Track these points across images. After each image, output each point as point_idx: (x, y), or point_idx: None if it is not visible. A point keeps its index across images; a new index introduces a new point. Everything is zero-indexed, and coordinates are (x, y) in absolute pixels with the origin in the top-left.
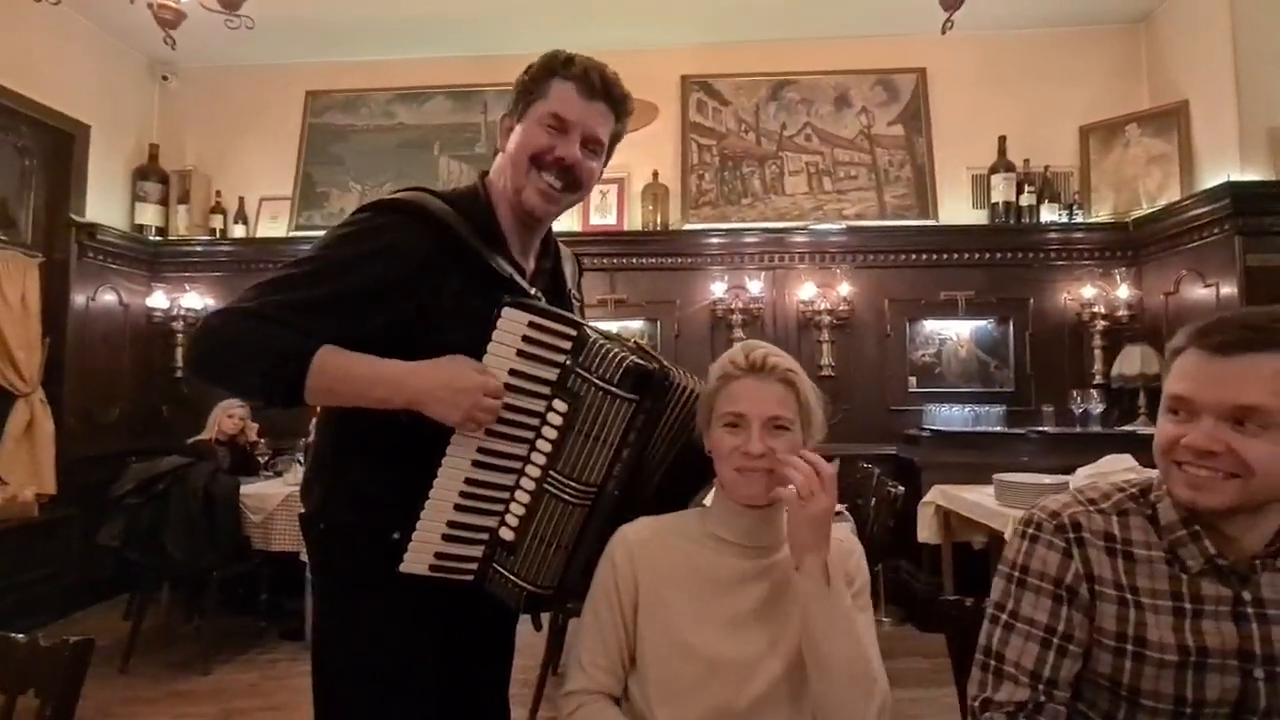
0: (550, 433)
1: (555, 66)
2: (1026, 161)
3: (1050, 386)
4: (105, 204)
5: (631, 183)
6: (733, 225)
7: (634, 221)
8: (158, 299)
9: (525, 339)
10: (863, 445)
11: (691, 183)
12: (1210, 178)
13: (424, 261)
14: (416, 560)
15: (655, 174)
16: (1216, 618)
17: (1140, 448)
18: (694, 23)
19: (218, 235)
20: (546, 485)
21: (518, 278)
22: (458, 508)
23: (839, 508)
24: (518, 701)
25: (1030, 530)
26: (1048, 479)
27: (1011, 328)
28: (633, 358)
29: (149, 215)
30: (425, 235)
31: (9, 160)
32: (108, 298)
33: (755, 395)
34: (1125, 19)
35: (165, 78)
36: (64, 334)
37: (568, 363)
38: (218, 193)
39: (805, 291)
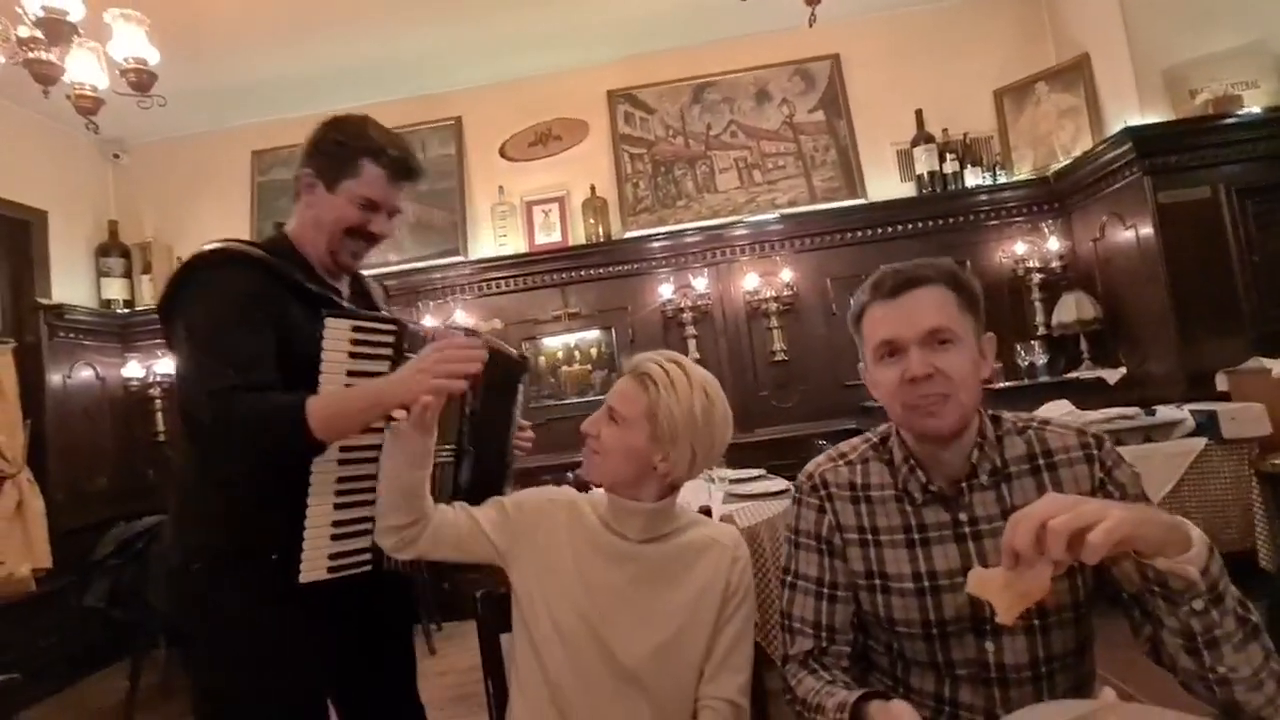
0: (399, 413)
1: (367, 151)
2: (945, 131)
3: (996, 342)
4: (71, 283)
5: (571, 199)
6: (672, 228)
7: (578, 236)
8: (132, 369)
9: (353, 341)
10: (822, 423)
11: (628, 191)
12: (1117, 125)
13: (265, 295)
14: (313, 568)
15: (593, 188)
16: (941, 542)
17: (1082, 393)
18: (614, 40)
19: None
20: None
21: (335, 298)
22: (337, 506)
23: (785, 485)
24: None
25: (797, 495)
26: None
27: None
28: (459, 326)
29: (115, 289)
30: (256, 273)
31: None
32: (84, 373)
33: (618, 391)
34: None
35: (117, 156)
36: (44, 413)
37: (395, 353)
38: (179, 259)
39: (749, 282)
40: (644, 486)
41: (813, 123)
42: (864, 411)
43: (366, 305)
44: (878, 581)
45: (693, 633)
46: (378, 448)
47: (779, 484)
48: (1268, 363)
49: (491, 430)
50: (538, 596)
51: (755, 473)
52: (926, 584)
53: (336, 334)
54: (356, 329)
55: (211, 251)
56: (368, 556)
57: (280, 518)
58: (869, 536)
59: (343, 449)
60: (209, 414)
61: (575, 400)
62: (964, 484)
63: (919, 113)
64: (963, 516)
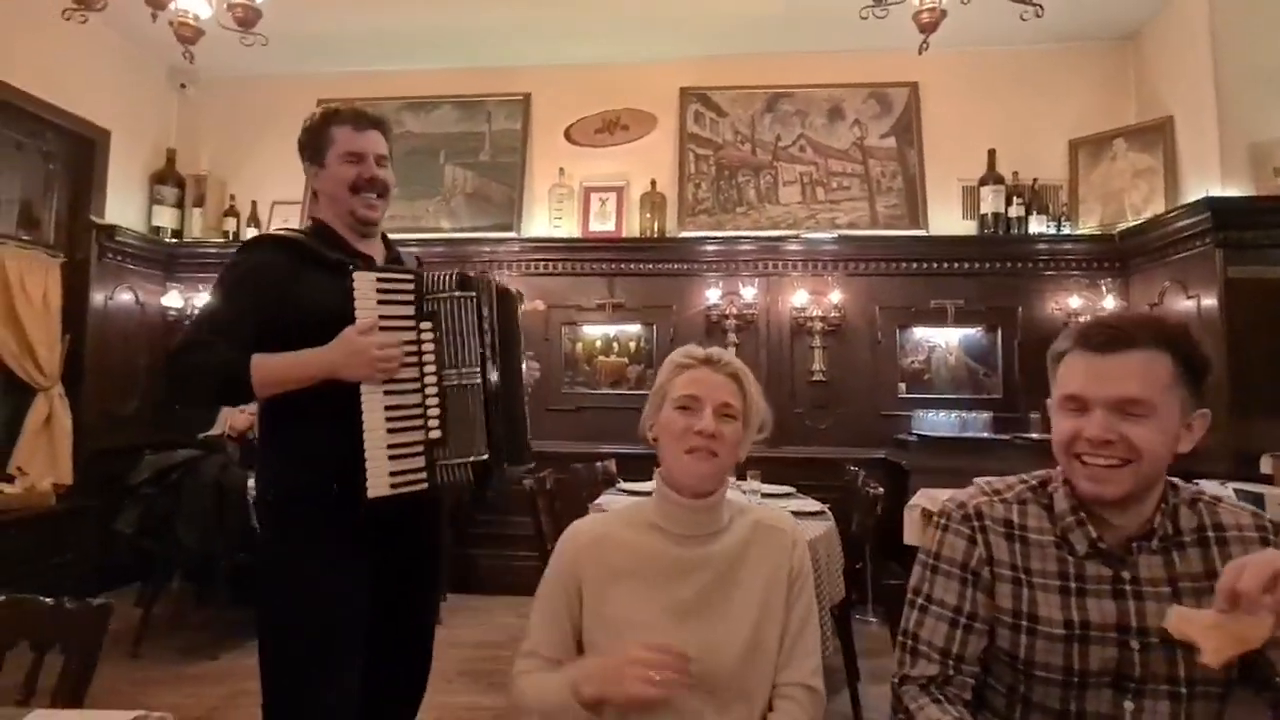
0: (429, 347)
1: (329, 120)
2: (1015, 174)
3: (1038, 394)
4: (124, 207)
5: (630, 191)
6: (728, 233)
7: (632, 228)
8: (173, 298)
9: (379, 290)
10: (853, 449)
11: (688, 191)
12: (1194, 192)
13: (286, 270)
14: (378, 484)
15: (653, 183)
16: (1099, 595)
17: None
18: (693, 37)
19: (231, 238)
20: (445, 384)
21: (360, 262)
22: (390, 431)
23: (820, 507)
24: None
25: (942, 521)
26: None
27: (1000, 336)
28: (459, 271)
29: (165, 218)
30: (279, 252)
31: (34, 164)
32: (125, 297)
33: (709, 382)
34: (1114, 36)
35: (183, 86)
36: (83, 331)
37: (417, 296)
38: (232, 196)
39: (798, 298)
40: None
41: (883, 148)
42: (898, 444)
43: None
44: (1024, 622)
45: (768, 626)
46: (416, 379)
47: (814, 504)
48: None
49: (508, 353)
50: (603, 644)
51: (785, 489)
52: (1077, 632)
53: (364, 285)
54: (381, 279)
55: (248, 240)
56: (424, 475)
57: (341, 456)
58: (1022, 575)
59: (387, 389)
60: (168, 359)
61: (608, 391)
62: (1134, 544)
63: (992, 152)
64: (1126, 574)
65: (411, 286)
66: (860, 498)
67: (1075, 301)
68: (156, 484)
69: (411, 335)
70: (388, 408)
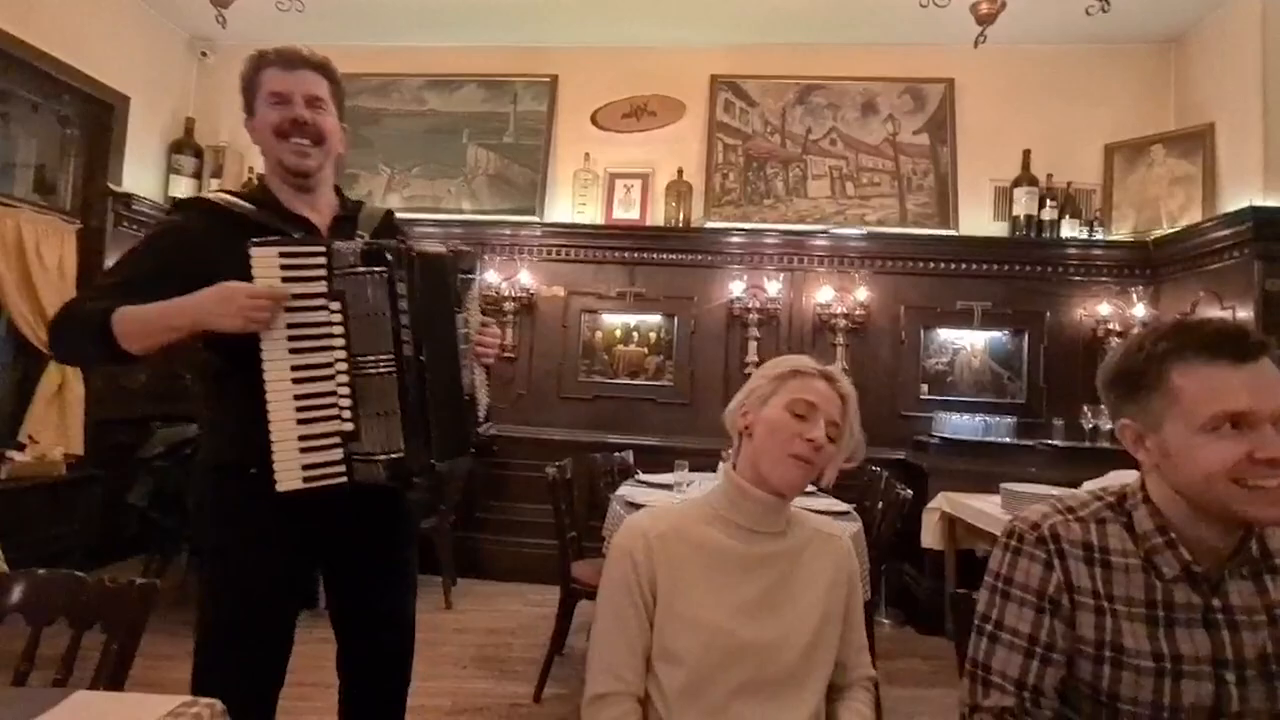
0: (338, 330)
1: (257, 63)
2: (1050, 176)
3: (1062, 401)
4: (141, 175)
5: (656, 178)
6: (754, 225)
7: (657, 217)
8: None
9: (284, 266)
10: (872, 449)
11: (715, 181)
12: (1233, 201)
13: (205, 234)
14: (289, 477)
15: (680, 171)
16: (1189, 625)
17: None
18: (725, 24)
19: None
20: (357, 371)
21: (290, 231)
22: (301, 421)
23: (846, 508)
24: (522, 679)
25: (1013, 542)
26: (1055, 490)
27: (1026, 340)
28: (367, 241)
29: (183, 188)
30: (202, 217)
31: (51, 128)
32: None
33: (826, 396)
34: (1156, 39)
35: (204, 54)
36: None
37: (327, 273)
38: (250, 169)
39: (823, 294)
40: None
41: (915, 145)
42: (919, 446)
43: (351, 236)
44: (1109, 654)
45: (828, 627)
46: (327, 364)
47: (840, 505)
48: None
49: (433, 331)
50: (672, 639)
51: (809, 488)
52: (1169, 666)
53: (265, 261)
54: (284, 254)
55: (182, 199)
56: (341, 469)
57: (259, 434)
58: (1105, 604)
59: (294, 369)
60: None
61: (625, 381)
62: (1226, 569)
63: (1027, 153)
64: (1216, 602)
65: (323, 261)
66: (887, 499)
67: (1104, 309)
68: (169, 458)
69: (322, 316)
70: (298, 396)
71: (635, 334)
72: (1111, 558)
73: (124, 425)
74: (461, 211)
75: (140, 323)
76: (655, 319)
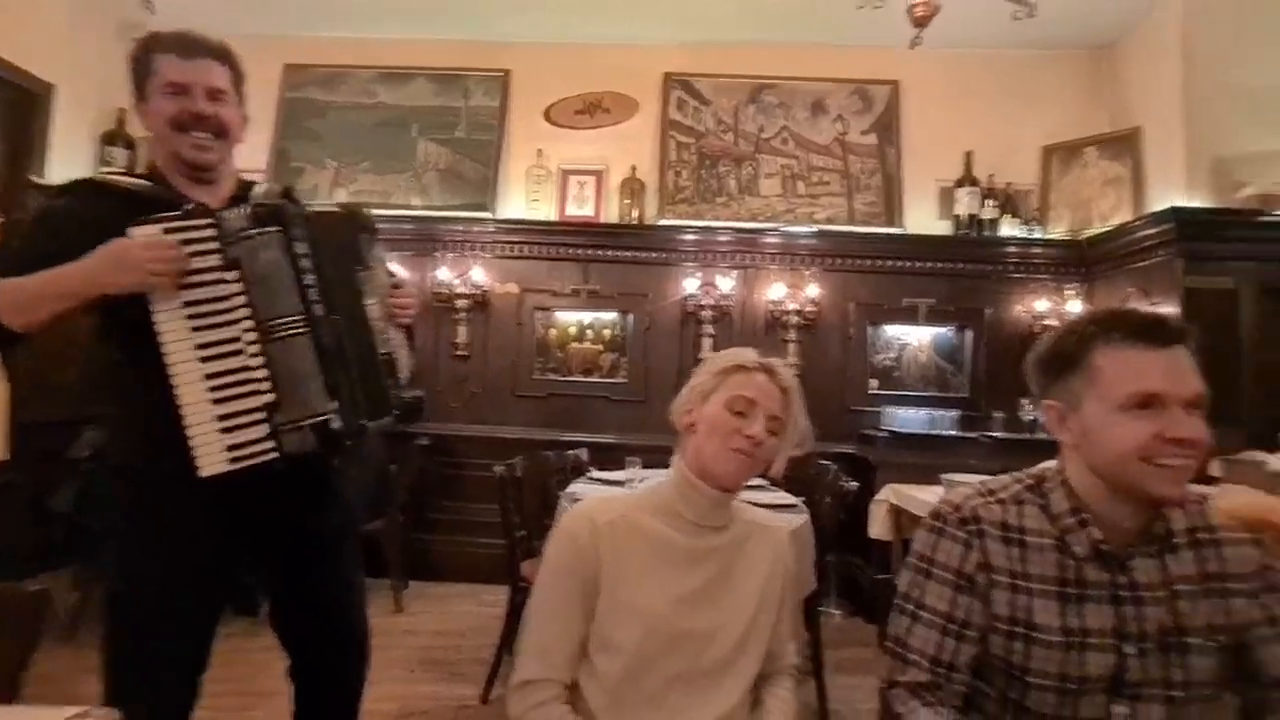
0: (239, 300)
1: (149, 45)
2: (991, 176)
3: (1003, 394)
4: (70, 167)
5: (609, 175)
6: (707, 223)
7: (610, 214)
8: None
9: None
10: (821, 443)
11: (669, 179)
12: (1159, 202)
13: (93, 216)
14: (212, 461)
15: (633, 169)
16: (1098, 601)
17: None
18: (678, 22)
19: None
20: (268, 337)
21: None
22: (216, 401)
23: (794, 501)
24: (471, 680)
25: (937, 524)
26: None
27: (969, 336)
28: (255, 203)
29: None
30: (89, 200)
31: None
32: None
33: (765, 390)
34: (1090, 45)
35: (135, 41)
36: None
37: (219, 243)
38: None
39: (775, 291)
40: None
41: (864, 145)
42: (866, 439)
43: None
44: (1021, 630)
45: (763, 616)
46: (234, 338)
47: (788, 498)
48: (1262, 456)
49: (342, 288)
50: (612, 628)
51: (757, 481)
52: (1076, 640)
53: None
54: (169, 230)
55: (69, 182)
56: (271, 444)
57: (171, 423)
58: (1020, 582)
59: (199, 347)
60: None
61: (580, 378)
62: (1133, 547)
63: (969, 154)
64: (1123, 579)
65: (212, 233)
66: (831, 492)
67: (1041, 305)
68: (96, 460)
69: (222, 290)
70: (209, 375)
71: (589, 331)
72: (1027, 538)
73: (52, 428)
74: (411, 207)
75: (22, 293)
76: (610, 316)
